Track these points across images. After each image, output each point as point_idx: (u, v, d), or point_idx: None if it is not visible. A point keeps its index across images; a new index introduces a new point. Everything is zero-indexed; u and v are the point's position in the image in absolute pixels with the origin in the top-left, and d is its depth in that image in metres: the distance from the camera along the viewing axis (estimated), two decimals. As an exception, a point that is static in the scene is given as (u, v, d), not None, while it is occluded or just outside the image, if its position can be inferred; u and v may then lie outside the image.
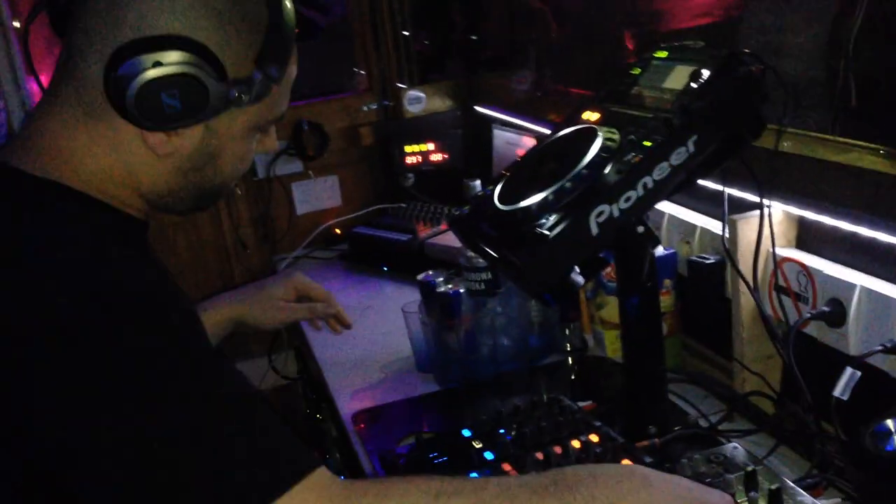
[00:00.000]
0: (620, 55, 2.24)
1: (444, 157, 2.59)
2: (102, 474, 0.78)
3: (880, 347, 1.10)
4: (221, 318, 1.48)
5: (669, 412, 1.32)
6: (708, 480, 1.04)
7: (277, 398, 2.57)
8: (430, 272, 1.61)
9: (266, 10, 0.90)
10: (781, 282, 1.29)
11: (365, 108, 2.69)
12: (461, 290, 1.54)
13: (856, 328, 1.17)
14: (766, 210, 1.25)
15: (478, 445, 1.24)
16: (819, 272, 1.22)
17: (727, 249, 1.30)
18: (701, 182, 1.29)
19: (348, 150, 2.68)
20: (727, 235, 1.30)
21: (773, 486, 0.99)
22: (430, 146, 2.59)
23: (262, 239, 2.64)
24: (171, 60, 0.85)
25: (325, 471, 0.83)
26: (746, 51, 1.12)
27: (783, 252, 1.28)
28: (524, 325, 1.63)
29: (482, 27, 2.68)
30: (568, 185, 1.07)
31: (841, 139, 1.25)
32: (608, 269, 1.47)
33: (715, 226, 1.43)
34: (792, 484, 1.04)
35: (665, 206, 1.56)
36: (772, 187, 1.24)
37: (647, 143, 1.09)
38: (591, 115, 1.24)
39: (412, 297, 1.66)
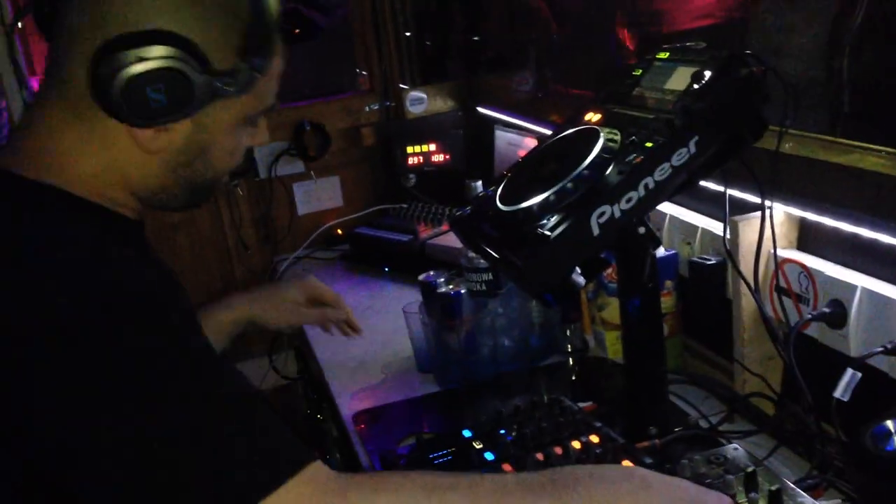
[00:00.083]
0: (622, 56, 2.24)
1: (445, 158, 2.60)
2: (102, 474, 0.78)
3: (881, 349, 1.10)
4: (235, 317, 1.49)
5: (670, 413, 1.32)
6: (708, 481, 1.04)
7: (278, 398, 2.56)
8: (432, 273, 1.61)
9: (247, 0, 0.91)
10: (782, 283, 1.29)
11: (367, 109, 2.69)
12: (462, 291, 1.54)
13: (856, 329, 1.17)
14: (767, 211, 1.25)
15: (478, 446, 1.24)
16: (820, 273, 1.22)
17: (728, 250, 1.30)
18: (702, 183, 1.29)
19: (350, 150, 2.68)
20: (728, 236, 1.30)
21: (773, 487, 0.99)
22: (432, 147, 2.59)
23: (264, 239, 2.64)
24: (154, 55, 0.85)
25: (321, 465, 0.83)
26: (748, 52, 1.12)
27: (784, 253, 1.28)
28: (525, 325, 1.63)
29: (483, 27, 2.68)
30: (569, 185, 1.07)
31: (842, 140, 1.25)
32: (609, 270, 1.47)
33: (716, 227, 1.43)
34: (792, 485, 1.04)
35: (666, 207, 1.56)
36: (773, 188, 1.24)
37: (649, 144, 1.09)
38: (592, 116, 1.24)
39: (413, 297, 1.66)
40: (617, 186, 1.06)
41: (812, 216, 1.25)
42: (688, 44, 1.22)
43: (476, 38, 2.69)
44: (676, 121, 1.08)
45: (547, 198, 1.08)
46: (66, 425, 0.78)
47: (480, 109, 2.61)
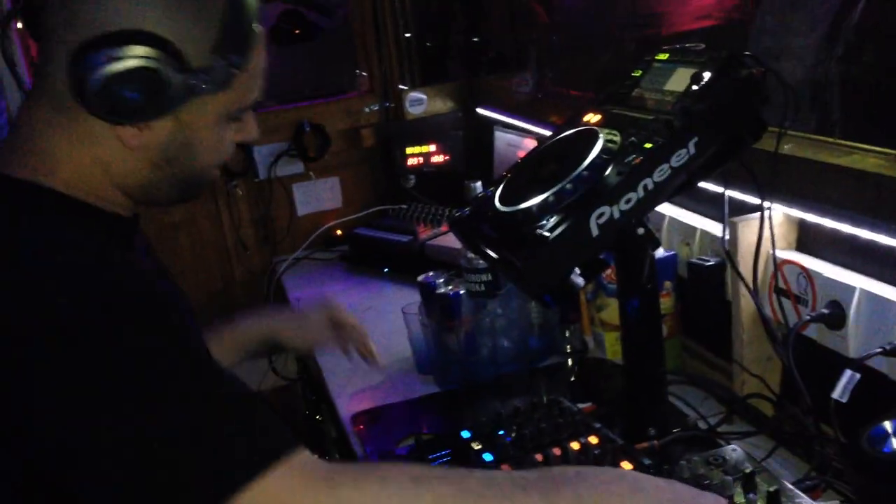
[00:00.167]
0: (621, 57, 2.25)
1: (445, 159, 2.60)
2: (102, 474, 0.78)
3: (879, 350, 1.10)
4: (256, 333, 1.50)
5: (669, 414, 1.32)
6: (706, 482, 1.04)
7: (277, 399, 2.56)
8: (431, 273, 1.61)
9: None
10: (781, 284, 1.29)
11: (366, 110, 2.69)
12: (461, 292, 1.54)
13: (855, 330, 1.17)
14: (766, 212, 1.25)
15: (477, 447, 1.24)
16: (819, 274, 1.22)
17: (727, 251, 1.30)
18: (701, 184, 1.29)
19: (349, 151, 2.68)
20: (727, 237, 1.30)
21: (771, 489, 0.99)
22: (432, 148, 2.59)
23: (263, 240, 2.65)
24: (129, 54, 0.86)
25: (308, 453, 0.83)
26: (747, 53, 1.13)
27: (783, 254, 1.28)
28: (524, 326, 1.63)
29: (483, 29, 2.69)
30: (569, 186, 1.08)
31: (841, 142, 1.25)
32: (608, 271, 1.47)
33: (715, 228, 1.44)
34: (791, 486, 1.04)
35: (665, 209, 1.56)
36: (772, 189, 1.24)
37: (648, 145, 1.09)
38: (591, 117, 1.25)
39: (412, 298, 1.67)
40: (616, 187, 1.06)
41: (811, 217, 1.25)
42: (687, 45, 1.23)
43: (476, 40, 2.69)
44: (676, 122, 1.09)
45: (546, 199, 1.08)
46: (66, 425, 0.78)
47: (480, 110, 2.61)
